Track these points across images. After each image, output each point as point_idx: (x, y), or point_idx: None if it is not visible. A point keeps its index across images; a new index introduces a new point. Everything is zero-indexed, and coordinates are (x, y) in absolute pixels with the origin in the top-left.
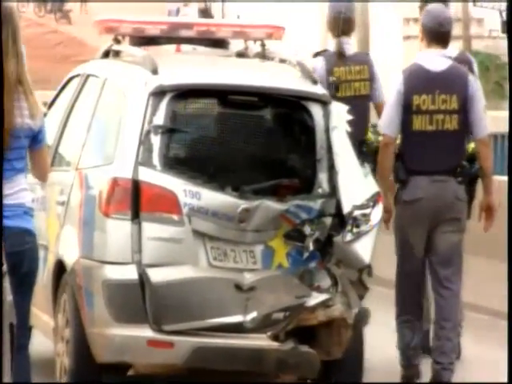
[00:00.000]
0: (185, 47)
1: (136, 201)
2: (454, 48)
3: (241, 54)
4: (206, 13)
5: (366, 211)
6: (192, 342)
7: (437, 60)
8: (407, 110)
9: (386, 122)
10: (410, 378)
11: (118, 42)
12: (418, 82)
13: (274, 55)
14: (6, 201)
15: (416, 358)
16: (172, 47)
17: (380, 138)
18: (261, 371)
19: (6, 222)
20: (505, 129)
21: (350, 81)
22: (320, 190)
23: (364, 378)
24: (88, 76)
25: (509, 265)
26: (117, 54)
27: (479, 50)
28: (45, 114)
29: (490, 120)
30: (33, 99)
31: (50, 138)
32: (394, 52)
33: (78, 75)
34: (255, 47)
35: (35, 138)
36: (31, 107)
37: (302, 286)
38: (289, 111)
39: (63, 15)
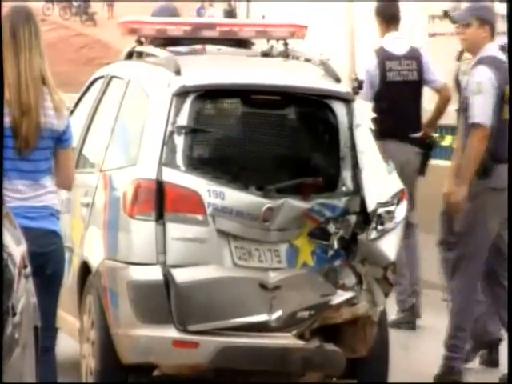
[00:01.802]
0: (209, 48)
1: (160, 201)
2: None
3: (266, 54)
4: (230, 13)
5: (391, 208)
6: (217, 341)
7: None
8: (499, 100)
9: (483, 113)
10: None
11: (140, 43)
12: (505, 72)
13: (297, 54)
14: (29, 203)
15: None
16: (197, 48)
17: None
18: (286, 370)
19: (30, 224)
20: None
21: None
22: (344, 188)
23: (389, 375)
24: (111, 78)
25: (509, 260)
26: (140, 55)
27: (504, 45)
28: (70, 113)
29: None
30: (58, 98)
31: (74, 139)
32: (419, 49)
33: (101, 77)
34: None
35: (60, 138)
36: (56, 106)
37: (326, 284)
38: (312, 110)
39: (88, 17)
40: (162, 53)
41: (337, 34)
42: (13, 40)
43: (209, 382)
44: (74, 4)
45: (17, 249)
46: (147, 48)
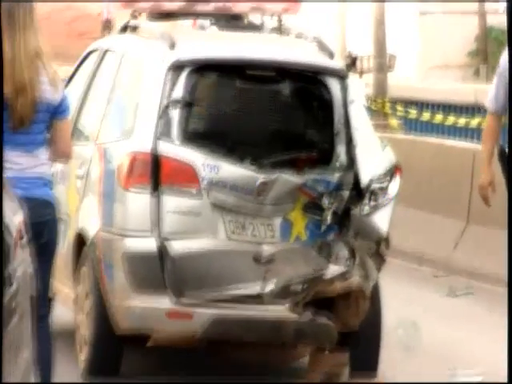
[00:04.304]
0: (200, 22)
1: (155, 174)
2: None
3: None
4: None
5: (384, 184)
6: (211, 313)
7: None
8: None
9: None
10: None
11: (135, 17)
12: None
13: (291, 30)
14: (25, 173)
15: None
16: (189, 22)
17: None
18: (279, 342)
19: (26, 194)
20: None
21: None
22: (338, 164)
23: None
24: (106, 51)
25: (509, 261)
26: (134, 29)
27: (494, 25)
28: (64, 86)
29: None
30: (52, 71)
31: (70, 111)
32: (410, 27)
33: (95, 50)
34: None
35: (56, 110)
36: (51, 80)
37: (319, 258)
38: (306, 85)
39: None
40: (156, 27)
41: (328, 12)
42: (8, 19)
43: (202, 353)
44: None
45: (13, 219)
46: (142, 22)
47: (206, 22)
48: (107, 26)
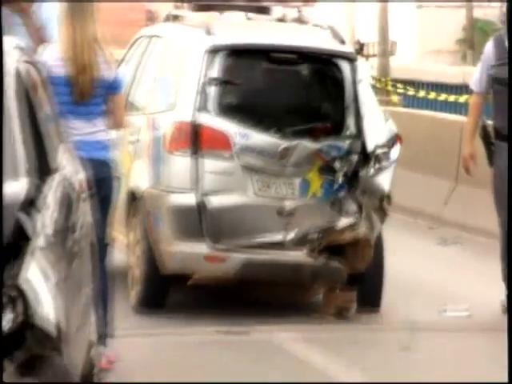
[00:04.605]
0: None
1: (195, 140)
2: None
3: (280, 19)
4: None
5: (386, 150)
6: (241, 257)
7: None
8: None
9: None
10: None
11: (177, 8)
12: None
13: (309, 20)
14: (86, 138)
15: None
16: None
17: None
18: (298, 282)
19: (88, 155)
20: None
21: None
22: (348, 132)
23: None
24: (153, 37)
25: (509, 256)
26: (177, 18)
27: (479, 17)
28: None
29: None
30: (108, 53)
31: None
32: (409, 19)
33: (144, 36)
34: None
35: (111, 86)
36: (107, 60)
37: (332, 212)
38: (322, 67)
39: None
40: (196, 16)
41: (339, 6)
42: (71, 10)
43: (234, 291)
44: None
45: (76, 177)
46: (183, 12)
47: (217, 14)
48: (150, 16)
